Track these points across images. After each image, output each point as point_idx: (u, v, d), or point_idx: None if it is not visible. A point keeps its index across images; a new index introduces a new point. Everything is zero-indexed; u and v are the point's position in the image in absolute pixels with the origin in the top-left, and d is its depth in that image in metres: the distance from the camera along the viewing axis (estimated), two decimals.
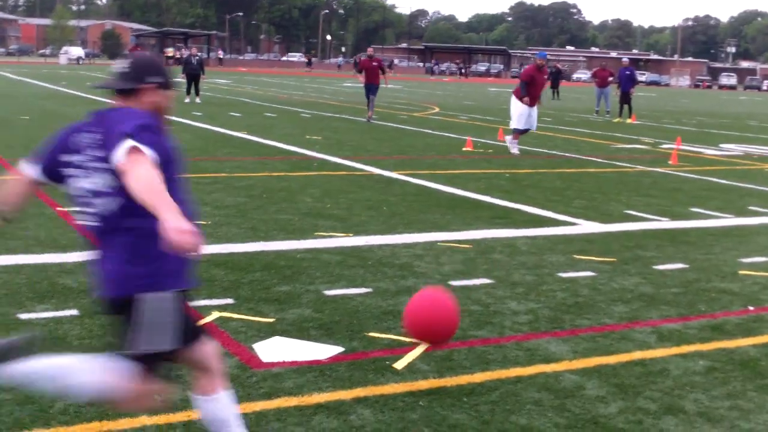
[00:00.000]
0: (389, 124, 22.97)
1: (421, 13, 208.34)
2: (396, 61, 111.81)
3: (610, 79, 31.38)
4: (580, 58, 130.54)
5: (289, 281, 6.63)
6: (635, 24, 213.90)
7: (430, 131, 21.05)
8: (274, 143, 16.54)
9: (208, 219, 8.89)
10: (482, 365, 5.02)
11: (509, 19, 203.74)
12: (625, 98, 29.57)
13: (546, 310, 6.13)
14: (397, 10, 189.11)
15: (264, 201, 10.14)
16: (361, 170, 13.25)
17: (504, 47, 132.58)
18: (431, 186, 11.86)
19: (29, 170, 3.49)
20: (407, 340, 5.32)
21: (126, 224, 3.22)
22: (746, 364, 5.22)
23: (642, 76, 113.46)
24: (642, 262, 7.75)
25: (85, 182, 3.30)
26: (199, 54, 30.21)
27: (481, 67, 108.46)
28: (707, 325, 5.97)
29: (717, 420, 4.42)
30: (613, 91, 30.55)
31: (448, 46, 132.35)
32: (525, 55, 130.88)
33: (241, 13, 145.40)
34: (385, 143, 17.64)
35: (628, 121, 28.66)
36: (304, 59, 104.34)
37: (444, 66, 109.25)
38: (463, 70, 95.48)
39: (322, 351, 5.15)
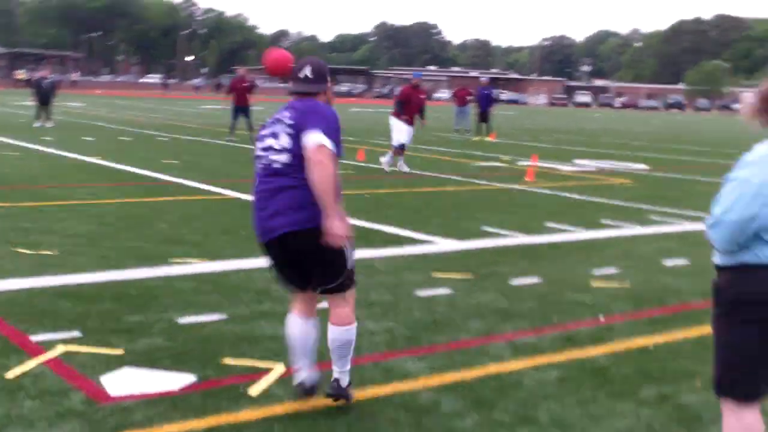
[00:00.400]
0: (249, 146, 22.73)
1: (283, 34, 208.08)
2: (259, 82, 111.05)
3: (469, 98, 32.08)
4: (442, 78, 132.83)
5: (140, 311, 6.43)
6: (495, 44, 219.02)
7: None
8: (129, 168, 16.13)
9: (55, 248, 8.57)
10: None
11: (372, 39, 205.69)
12: (484, 117, 30.31)
13: (403, 329, 6.13)
14: (259, 31, 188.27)
15: (116, 228, 9.84)
16: (219, 194, 13.05)
17: (366, 67, 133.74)
18: None
19: None
20: (263, 365, 5.22)
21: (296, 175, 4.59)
22: (597, 373, 5.34)
23: (501, 95, 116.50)
24: (498, 278, 7.86)
25: (272, 142, 4.68)
26: (50, 76, 29.31)
27: (343, 88, 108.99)
28: (560, 336, 6.08)
29: (569, 427, 4.50)
30: (473, 110, 31.23)
31: None
32: (387, 75, 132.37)
33: (97, 33, 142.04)
34: (244, 166, 17.45)
35: (487, 139, 29.30)
36: (163, 80, 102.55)
37: None
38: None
39: (174, 381, 4.99)
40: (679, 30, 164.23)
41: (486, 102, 30.17)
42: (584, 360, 5.58)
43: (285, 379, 5.04)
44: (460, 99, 32.52)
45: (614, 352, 5.78)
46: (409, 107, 17.79)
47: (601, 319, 6.58)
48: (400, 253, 8.88)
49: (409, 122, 17.74)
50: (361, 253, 8.71)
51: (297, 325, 4.87)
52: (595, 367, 5.44)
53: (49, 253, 8.37)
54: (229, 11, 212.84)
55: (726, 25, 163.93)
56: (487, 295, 7.20)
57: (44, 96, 27.50)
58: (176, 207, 11.63)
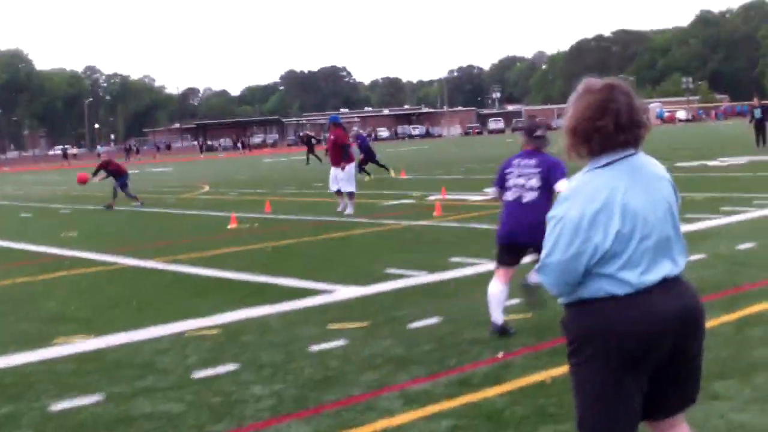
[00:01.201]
0: (154, 210, 22.24)
1: (192, 92, 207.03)
2: (164, 142, 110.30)
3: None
4: (355, 119, 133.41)
5: (12, 400, 5.99)
6: (405, 80, 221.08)
7: (196, 212, 20.53)
8: (24, 246, 15.53)
9: None
10: None
11: (281, 88, 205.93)
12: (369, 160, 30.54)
13: (292, 390, 5.81)
14: (167, 91, 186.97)
15: (2, 312, 9.34)
16: (116, 264, 12.58)
17: (277, 117, 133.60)
18: (188, 271, 11.38)
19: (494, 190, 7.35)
20: None
21: (538, 203, 6.83)
22: (492, 416, 5.07)
23: (415, 130, 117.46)
24: (396, 323, 7.59)
25: (521, 180, 7.07)
26: None
27: (257, 139, 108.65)
28: (456, 380, 5.81)
29: None
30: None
31: (220, 122, 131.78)
32: (301, 122, 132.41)
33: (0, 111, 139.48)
34: (146, 231, 17.01)
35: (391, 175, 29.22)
36: (70, 152, 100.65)
37: (221, 141, 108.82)
38: (239, 145, 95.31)
39: None
40: (582, 48, 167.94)
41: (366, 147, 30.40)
42: (479, 403, 5.32)
43: None
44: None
45: (510, 390, 5.52)
46: (332, 151, 18.22)
47: (500, 355, 6.33)
48: (297, 307, 8.55)
49: (333, 165, 18.06)
50: (254, 311, 8.41)
51: (499, 289, 6.98)
52: (490, 410, 5.18)
53: None
54: (134, 74, 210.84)
55: (627, 39, 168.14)
56: (382, 343, 6.91)
57: None
58: (69, 282, 11.14)
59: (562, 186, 6.58)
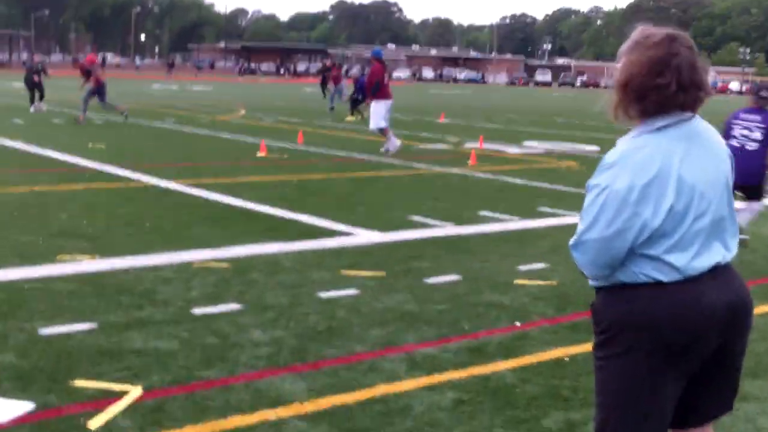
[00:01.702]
0: (185, 128, 21.92)
1: (241, 12, 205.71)
2: (209, 61, 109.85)
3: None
4: (401, 57, 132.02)
5: (1, 319, 5.70)
6: (456, 22, 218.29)
7: (228, 135, 20.16)
8: (50, 153, 15.28)
9: None
10: (197, 415, 4.28)
11: (331, 17, 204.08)
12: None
13: (292, 339, 5.46)
14: (216, 9, 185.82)
15: (13, 220, 9.07)
16: (137, 181, 12.28)
17: (323, 46, 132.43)
18: (208, 196, 11.04)
19: None
20: (117, 388, 4.54)
21: (758, 153, 8.26)
22: (500, 393, 4.69)
23: (461, 74, 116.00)
24: (413, 275, 7.21)
25: (746, 131, 8.35)
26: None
27: (301, 67, 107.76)
28: (466, 347, 5.44)
29: None
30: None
31: (265, 45, 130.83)
32: (346, 53, 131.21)
33: (47, 11, 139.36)
34: (173, 150, 16.70)
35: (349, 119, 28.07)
36: (119, 60, 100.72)
37: (261, 65, 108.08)
38: (281, 70, 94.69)
39: (7, 410, 4.29)
40: (640, 8, 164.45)
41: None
42: (489, 377, 4.94)
43: (136, 407, 4.35)
44: (335, 78, 34.11)
45: (523, 365, 5.14)
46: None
47: (517, 324, 5.94)
48: (312, 247, 8.19)
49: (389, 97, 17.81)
50: (268, 248, 8.06)
51: None
52: (499, 386, 4.80)
53: None
54: None
55: (687, 2, 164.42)
56: (395, 296, 6.54)
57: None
58: (85, 196, 10.86)
59: None
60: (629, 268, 2.63)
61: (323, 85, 41.69)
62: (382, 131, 17.44)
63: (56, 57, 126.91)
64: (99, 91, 22.65)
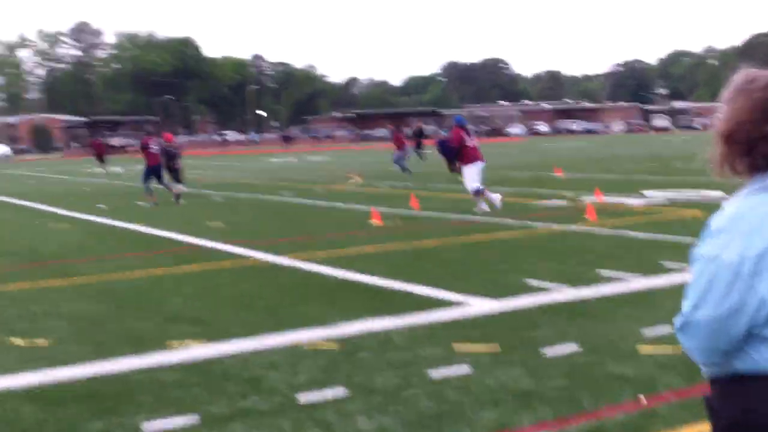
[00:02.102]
0: (301, 200, 22.07)
1: (353, 81, 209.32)
2: (326, 130, 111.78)
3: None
4: (514, 112, 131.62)
5: (106, 414, 5.61)
6: (566, 74, 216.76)
7: (342, 204, 20.17)
8: (169, 234, 15.53)
9: (52, 337, 7.87)
10: None
11: (442, 79, 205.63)
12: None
13: (399, 427, 5.17)
14: (329, 79, 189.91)
15: (126, 307, 9.13)
16: (252, 258, 12.28)
17: (433, 108, 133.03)
18: (322, 271, 10.92)
19: None
20: None
21: None
22: None
23: (575, 126, 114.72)
24: (528, 347, 6.85)
25: None
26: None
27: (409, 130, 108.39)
28: (586, 428, 5.04)
29: None
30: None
31: (377, 111, 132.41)
32: (460, 114, 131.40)
33: (170, 96, 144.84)
34: (289, 224, 16.74)
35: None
36: (238, 137, 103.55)
37: (380, 131, 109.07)
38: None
39: None
40: (755, 44, 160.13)
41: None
42: None
43: None
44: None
45: None
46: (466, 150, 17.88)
47: (643, 401, 5.50)
48: (424, 320, 7.91)
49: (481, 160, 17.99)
50: (379, 323, 7.83)
51: None
52: None
53: (43, 343, 7.67)
54: (298, 63, 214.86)
55: None
56: (510, 372, 6.19)
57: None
58: (201, 277, 10.89)
59: None
60: (748, 354, 2.25)
61: (418, 148, 42.00)
62: (477, 193, 17.55)
63: (182, 138, 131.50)
64: (153, 171, 22.94)
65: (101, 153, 44.34)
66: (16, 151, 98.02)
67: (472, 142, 18.11)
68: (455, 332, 7.44)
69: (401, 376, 6.18)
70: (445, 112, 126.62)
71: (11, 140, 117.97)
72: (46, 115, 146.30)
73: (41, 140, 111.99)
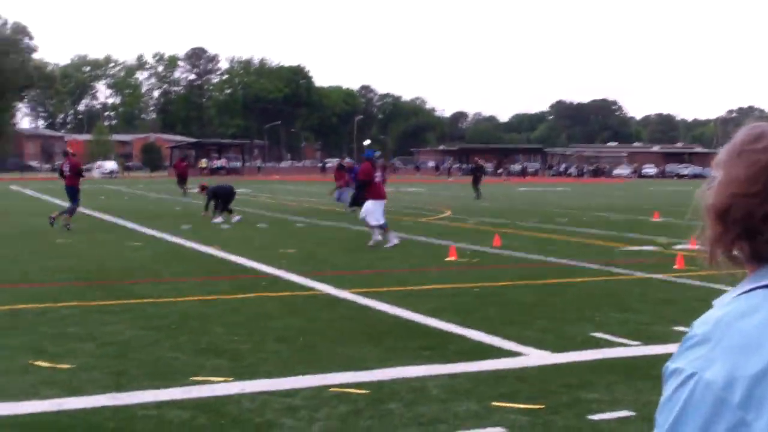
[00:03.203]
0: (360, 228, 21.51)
1: (461, 115, 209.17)
2: (430, 163, 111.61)
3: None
4: (622, 153, 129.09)
5: None
6: (679, 117, 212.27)
7: (424, 238, 19.56)
8: (237, 259, 15.17)
9: (77, 361, 7.50)
10: None
11: (550, 117, 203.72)
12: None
13: None
14: (437, 113, 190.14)
15: (163, 334, 8.71)
16: (310, 289, 11.79)
17: (540, 145, 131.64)
18: (377, 307, 10.35)
19: None
20: None
21: None
22: None
23: (685, 170, 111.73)
24: (577, 410, 6.12)
25: None
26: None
27: (517, 166, 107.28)
28: None
29: None
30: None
31: (482, 146, 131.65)
32: (566, 153, 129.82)
33: (279, 122, 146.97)
34: (361, 255, 16.21)
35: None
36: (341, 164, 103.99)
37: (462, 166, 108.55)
38: (499, 170, 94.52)
39: None
40: None
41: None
42: None
43: None
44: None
45: None
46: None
47: None
48: (468, 370, 7.25)
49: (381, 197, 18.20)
50: (419, 370, 7.20)
51: None
52: None
53: (65, 367, 7.29)
54: (406, 95, 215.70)
55: None
56: None
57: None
58: (252, 306, 10.43)
59: None
60: None
61: (475, 183, 41.01)
62: (383, 227, 17.85)
63: (286, 163, 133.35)
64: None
65: (183, 175, 42.03)
66: (126, 168, 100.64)
67: (379, 178, 18.30)
68: (499, 386, 6.75)
69: None
70: (551, 150, 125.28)
71: (124, 157, 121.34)
72: (158, 135, 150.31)
73: (151, 158, 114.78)
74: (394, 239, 17.73)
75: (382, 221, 17.80)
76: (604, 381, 6.96)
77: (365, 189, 18.05)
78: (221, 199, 24.85)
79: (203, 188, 26.20)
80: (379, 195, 18.05)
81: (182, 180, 41.00)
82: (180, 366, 7.36)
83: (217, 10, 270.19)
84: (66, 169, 22.87)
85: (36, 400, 6.28)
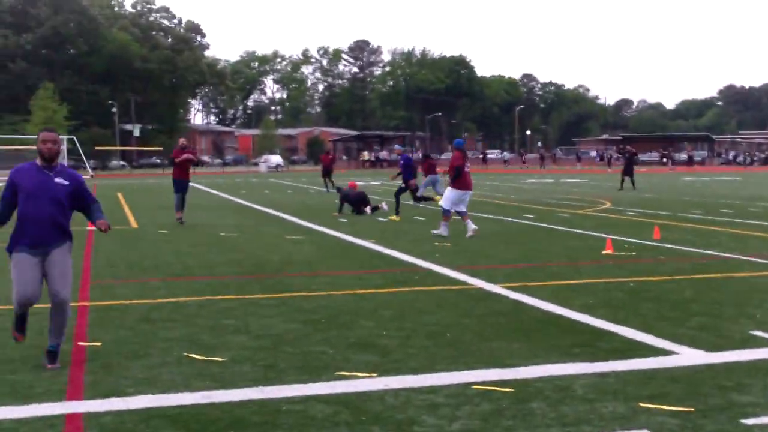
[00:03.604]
0: (539, 224, 21.28)
1: (625, 103, 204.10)
2: (593, 153, 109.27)
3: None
4: None
5: None
6: None
7: (580, 232, 19.19)
8: (392, 252, 15.31)
9: (229, 354, 7.74)
10: None
11: (719, 103, 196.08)
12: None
13: None
14: (600, 101, 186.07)
15: (315, 328, 8.88)
16: (463, 283, 11.78)
17: (707, 133, 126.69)
18: (529, 302, 10.23)
19: None
20: None
21: None
22: None
23: None
24: (729, 413, 5.87)
25: None
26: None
27: (683, 155, 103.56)
28: None
29: None
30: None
31: (645, 135, 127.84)
32: (736, 140, 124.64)
33: (440, 113, 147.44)
34: (516, 249, 16.04)
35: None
36: (503, 156, 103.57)
37: (648, 155, 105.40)
38: (664, 159, 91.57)
39: None
40: None
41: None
42: None
43: None
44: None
45: None
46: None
47: None
48: (617, 369, 7.07)
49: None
50: (566, 368, 7.08)
51: None
52: None
53: (217, 360, 7.55)
54: (569, 84, 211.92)
55: None
56: None
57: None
58: (404, 300, 10.50)
59: None
60: None
61: (627, 173, 39.36)
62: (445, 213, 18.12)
63: (447, 155, 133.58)
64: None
65: (328, 168, 41.32)
66: (291, 162, 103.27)
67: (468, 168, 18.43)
68: (648, 387, 6.55)
69: None
70: (719, 137, 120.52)
71: (290, 151, 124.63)
72: (322, 128, 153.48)
73: (315, 152, 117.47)
74: (471, 228, 17.97)
75: (452, 208, 18.11)
76: (761, 383, 6.65)
77: (455, 178, 18.10)
78: (352, 203, 25.06)
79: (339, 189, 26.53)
80: (466, 185, 18.23)
81: (327, 173, 40.84)
82: (327, 360, 7.49)
83: (380, 2, 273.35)
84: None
85: (186, 392, 6.51)
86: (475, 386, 6.59)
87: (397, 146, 31.83)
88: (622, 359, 7.43)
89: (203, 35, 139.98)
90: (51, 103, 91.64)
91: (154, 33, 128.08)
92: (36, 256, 7.32)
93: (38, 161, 7.49)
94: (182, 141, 24.01)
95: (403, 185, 25.03)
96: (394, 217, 23.21)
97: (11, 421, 5.84)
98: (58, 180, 7.44)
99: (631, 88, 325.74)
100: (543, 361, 7.35)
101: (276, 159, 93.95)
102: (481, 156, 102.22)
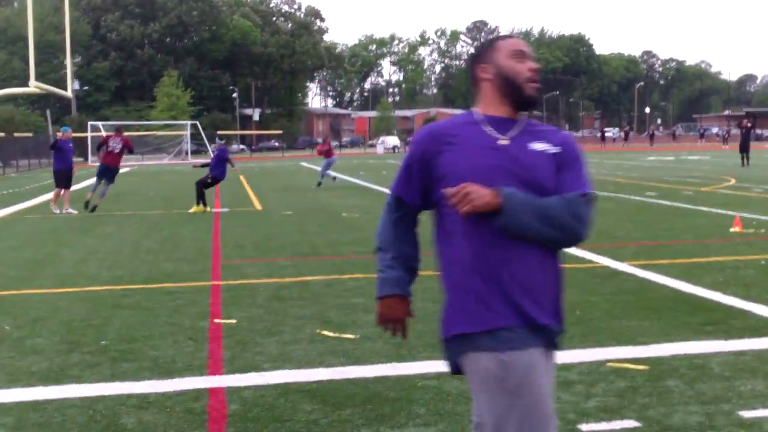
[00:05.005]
0: (663, 202, 20.85)
1: (749, 78, 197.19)
2: (715, 130, 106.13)
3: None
4: None
5: (377, 423, 5.40)
6: None
7: (705, 209, 18.72)
8: None
9: (362, 331, 7.87)
10: None
11: None
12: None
13: None
14: (723, 77, 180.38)
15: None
16: (589, 261, 11.67)
17: None
18: (658, 280, 10.07)
19: None
20: None
21: None
22: None
23: None
24: None
25: None
26: None
27: None
28: None
29: None
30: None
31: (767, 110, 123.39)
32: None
33: (557, 92, 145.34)
34: (641, 226, 15.77)
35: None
36: (620, 134, 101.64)
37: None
38: None
39: None
40: None
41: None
42: None
43: None
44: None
45: None
46: None
47: None
48: (755, 348, 6.91)
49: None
50: (700, 346, 6.98)
51: None
52: None
53: (349, 337, 7.69)
54: (690, 60, 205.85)
55: None
56: None
57: None
58: None
59: None
60: None
61: (744, 150, 37.75)
62: None
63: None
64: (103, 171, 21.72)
65: None
66: (408, 143, 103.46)
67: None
68: None
69: (706, 413, 5.37)
70: None
71: (406, 132, 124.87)
72: (438, 109, 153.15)
73: None
74: None
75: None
76: None
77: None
78: None
79: None
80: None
81: None
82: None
83: None
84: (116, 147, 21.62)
85: (322, 368, 6.67)
86: (608, 363, 6.55)
87: None
88: (757, 337, 7.26)
89: (323, 19, 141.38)
90: (175, 89, 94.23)
91: (274, 19, 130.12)
92: None
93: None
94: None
95: None
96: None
97: (157, 394, 6.09)
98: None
99: (756, 62, 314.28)
100: (676, 339, 7.25)
101: (393, 140, 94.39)
102: (599, 134, 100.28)
